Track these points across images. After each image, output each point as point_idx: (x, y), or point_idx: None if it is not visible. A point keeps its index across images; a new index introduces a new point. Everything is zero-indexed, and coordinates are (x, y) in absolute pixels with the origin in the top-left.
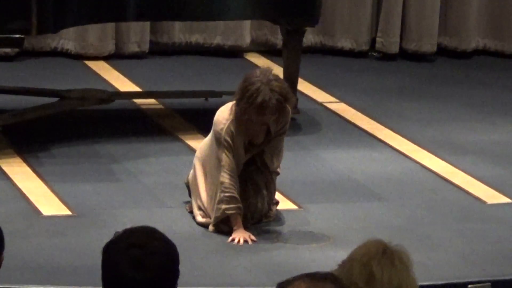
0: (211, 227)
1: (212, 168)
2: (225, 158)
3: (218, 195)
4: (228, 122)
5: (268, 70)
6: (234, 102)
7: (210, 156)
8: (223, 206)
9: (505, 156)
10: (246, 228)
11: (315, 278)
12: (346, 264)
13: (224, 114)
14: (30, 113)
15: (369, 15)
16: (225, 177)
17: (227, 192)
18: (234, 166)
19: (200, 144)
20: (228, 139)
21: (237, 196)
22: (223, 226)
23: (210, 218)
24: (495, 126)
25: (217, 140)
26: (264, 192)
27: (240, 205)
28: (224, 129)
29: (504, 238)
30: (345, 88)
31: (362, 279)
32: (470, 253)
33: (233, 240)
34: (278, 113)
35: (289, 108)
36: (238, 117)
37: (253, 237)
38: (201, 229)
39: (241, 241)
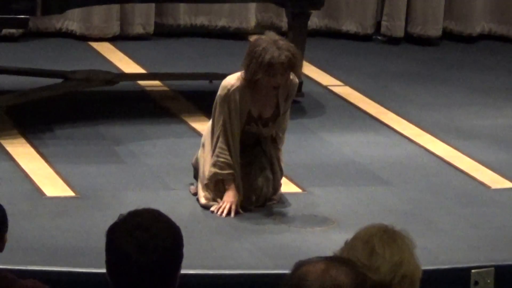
0: (200, 191)
1: (212, 144)
2: (225, 123)
3: (212, 157)
4: (234, 87)
5: (272, 33)
6: (241, 72)
7: (213, 134)
8: (215, 170)
9: (510, 140)
10: (249, 210)
11: (333, 260)
12: (349, 244)
13: (230, 80)
14: (34, 94)
15: None
16: (221, 142)
17: (221, 156)
18: (234, 132)
19: (206, 126)
20: (231, 103)
21: (230, 162)
22: (211, 192)
23: (214, 200)
24: (500, 110)
25: (220, 104)
26: (270, 175)
27: (232, 171)
28: (229, 94)
29: (508, 223)
30: (350, 71)
31: (364, 255)
32: (474, 238)
33: (219, 210)
34: (288, 73)
35: (297, 81)
36: (249, 79)
37: (238, 209)
38: (205, 211)
39: (224, 212)
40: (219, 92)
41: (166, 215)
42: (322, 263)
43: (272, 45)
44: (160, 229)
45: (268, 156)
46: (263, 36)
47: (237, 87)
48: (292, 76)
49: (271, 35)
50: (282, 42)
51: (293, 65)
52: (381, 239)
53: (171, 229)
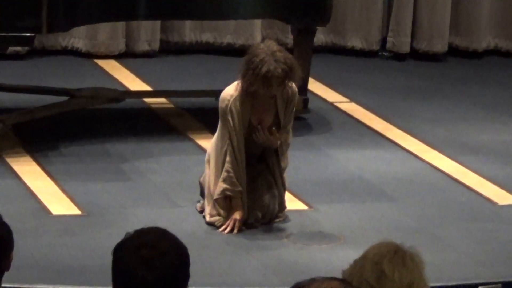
0: (206, 208)
1: (218, 159)
2: (230, 135)
3: (222, 173)
4: (233, 98)
5: (272, 43)
6: (238, 80)
7: (220, 148)
8: (225, 186)
9: None
10: (256, 227)
11: (331, 280)
12: (358, 263)
13: (229, 91)
14: (40, 111)
15: (380, 14)
16: (229, 156)
17: (231, 172)
18: (240, 144)
19: (211, 142)
20: (234, 114)
21: (240, 177)
22: (217, 209)
23: (220, 215)
24: (506, 126)
25: (222, 117)
26: (275, 191)
27: (241, 189)
28: (229, 105)
29: None
30: (356, 87)
31: (373, 277)
32: (481, 254)
33: (223, 227)
34: (284, 84)
35: (295, 89)
36: (245, 89)
37: (242, 227)
38: (211, 228)
39: (227, 229)
40: (219, 105)
41: (172, 233)
42: (339, 283)
43: (269, 56)
44: (167, 247)
45: (271, 171)
46: (261, 45)
47: (236, 97)
48: (290, 84)
49: (269, 45)
50: (280, 53)
51: (290, 77)
52: (391, 261)
53: (178, 247)
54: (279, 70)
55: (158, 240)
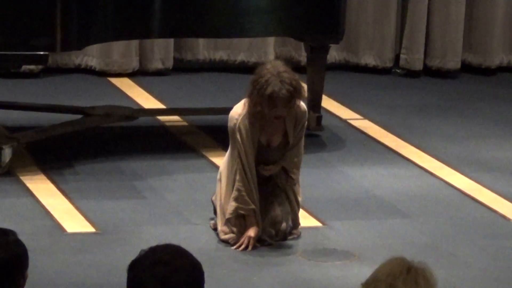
0: (219, 226)
1: (230, 178)
2: (240, 154)
3: (233, 192)
4: (241, 116)
5: (278, 63)
6: (245, 99)
7: (231, 167)
8: (237, 205)
9: None
10: (270, 244)
11: None
12: (370, 284)
13: (237, 110)
14: (54, 130)
15: (393, 32)
16: (240, 174)
17: (242, 190)
18: (251, 161)
19: (222, 160)
20: (243, 132)
21: (252, 195)
22: (231, 227)
23: (233, 233)
24: None
25: (231, 136)
26: (288, 208)
27: (254, 207)
28: (238, 124)
29: None
30: (369, 105)
31: None
32: (494, 270)
33: (236, 244)
34: (290, 105)
35: (305, 108)
36: (251, 110)
37: (256, 244)
38: (226, 246)
39: (242, 247)
40: (228, 124)
41: (187, 251)
42: None
43: (275, 77)
44: (182, 264)
45: (283, 190)
46: (268, 66)
47: (245, 115)
48: (298, 103)
49: (276, 65)
50: (287, 74)
51: (295, 96)
52: (405, 282)
53: (193, 264)
54: (284, 91)
55: (173, 257)
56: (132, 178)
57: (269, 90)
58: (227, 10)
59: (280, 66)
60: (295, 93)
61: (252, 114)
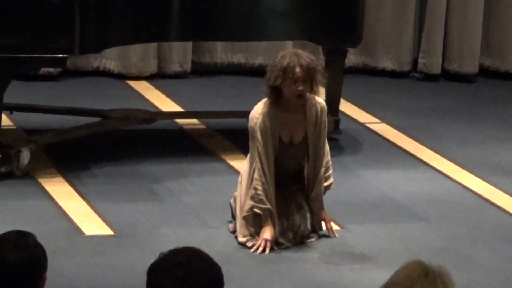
0: (238, 228)
1: (249, 178)
2: (260, 154)
3: (250, 190)
4: (262, 115)
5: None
6: (265, 98)
7: (250, 167)
8: (253, 203)
9: None
10: (287, 247)
11: None
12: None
13: (257, 110)
14: (72, 132)
15: (411, 35)
16: (258, 174)
17: (259, 189)
18: (270, 161)
19: (244, 162)
20: (263, 131)
21: (268, 195)
22: (249, 229)
23: (251, 233)
24: None
25: (251, 135)
26: (307, 212)
27: (270, 207)
28: (258, 123)
29: None
30: (387, 108)
31: None
32: None
33: (254, 246)
34: (310, 81)
35: (324, 105)
36: (271, 89)
37: (273, 246)
38: (244, 249)
39: (259, 250)
40: (248, 124)
41: (206, 253)
42: None
43: (292, 54)
44: (201, 267)
45: (304, 192)
46: (286, 50)
47: (265, 114)
48: (318, 99)
49: (293, 49)
50: (304, 53)
51: (313, 74)
52: (423, 286)
53: (212, 267)
54: (302, 61)
55: (192, 260)
56: (150, 181)
57: (286, 61)
58: (245, 14)
59: (299, 50)
60: (314, 65)
61: (275, 107)
